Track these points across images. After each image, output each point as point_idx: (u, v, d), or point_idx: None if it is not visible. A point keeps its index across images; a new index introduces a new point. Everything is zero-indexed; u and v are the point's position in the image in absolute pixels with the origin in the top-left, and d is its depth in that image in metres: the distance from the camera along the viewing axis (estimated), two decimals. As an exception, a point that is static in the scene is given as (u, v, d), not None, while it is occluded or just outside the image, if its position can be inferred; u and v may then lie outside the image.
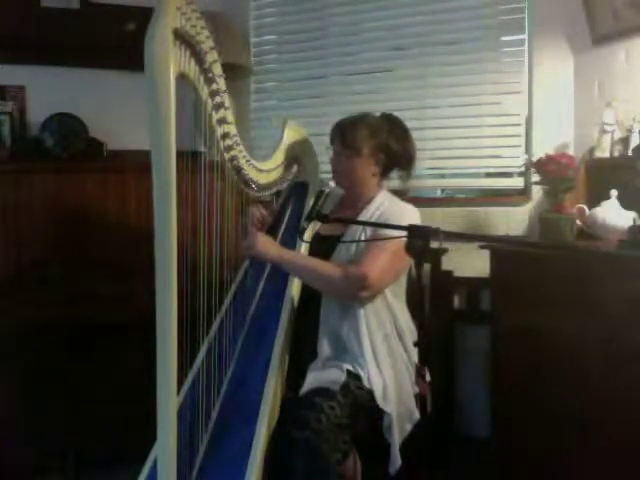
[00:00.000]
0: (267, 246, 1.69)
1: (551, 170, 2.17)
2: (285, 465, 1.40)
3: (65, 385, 2.27)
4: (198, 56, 1.27)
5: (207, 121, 1.39)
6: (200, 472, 1.34)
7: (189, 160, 1.37)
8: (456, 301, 2.62)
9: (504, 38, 2.62)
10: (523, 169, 2.56)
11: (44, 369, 2.27)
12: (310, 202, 1.61)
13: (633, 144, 2.10)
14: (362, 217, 1.70)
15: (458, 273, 2.54)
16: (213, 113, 1.40)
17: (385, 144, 1.76)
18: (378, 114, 1.84)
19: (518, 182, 2.60)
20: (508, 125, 2.61)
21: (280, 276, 1.76)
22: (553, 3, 2.44)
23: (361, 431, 1.57)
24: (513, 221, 2.55)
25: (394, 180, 1.88)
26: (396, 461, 1.55)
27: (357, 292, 1.60)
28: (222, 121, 1.44)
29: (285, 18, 3.03)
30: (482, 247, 2.25)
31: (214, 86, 1.36)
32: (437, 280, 2.43)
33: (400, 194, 1.90)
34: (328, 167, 1.86)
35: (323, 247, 1.73)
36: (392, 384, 1.61)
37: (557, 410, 1.91)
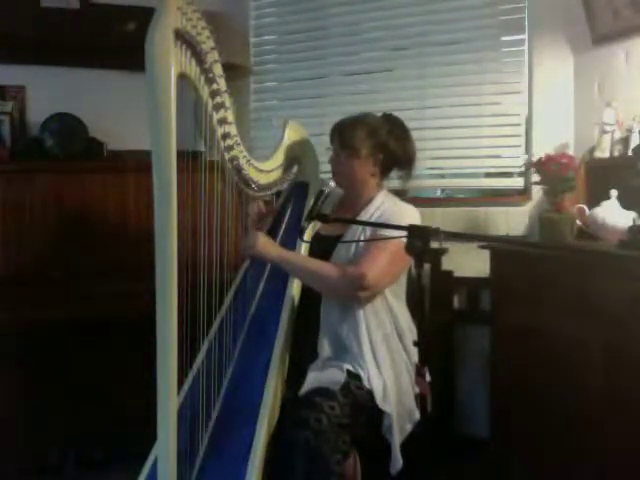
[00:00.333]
0: (267, 246, 1.69)
1: (551, 170, 2.17)
2: (285, 465, 1.40)
3: (65, 385, 2.27)
4: (199, 56, 1.27)
5: (207, 121, 1.39)
6: (200, 472, 1.34)
7: (189, 160, 1.36)
8: (456, 301, 2.62)
9: (504, 38, 2.62)
10: (523, 169, 2.56)
11: (44, 369, 2.27)
12: (310, 202, 1.61)
13: (633, 144, 2.10)
14: (362, 217, 1.70)
15: (458, 273, 2.54)
16: (214, 113, 1.40)
17: (384, 144, 1.76)
18: (378, 114, 1.84)
19: (518, 182, 2.60)
20: (508, 125, 2.61)
21: (280, 276, 1.76)
22: (553, 3, 2.44)
23: (361, 431, 1.57)
24: (513, 221, 2.55)
25: (394, 180, 1.88)
26: (397, 461, 1.55)
27: (356, 292, 1.60)
28: (222, 121, 1.44)
29: (285, 18, 3.03)
30: (482, 247, 2.25)
31: (214, 86, 1.36)
32: (437, 280, 2.43)
33: (400, 194, 1.90)
34: (328, 167, 1.86)
35: (323, 247, 1.73)
36: (392, 384, 1.61)
37: (557, 410, 1.91)
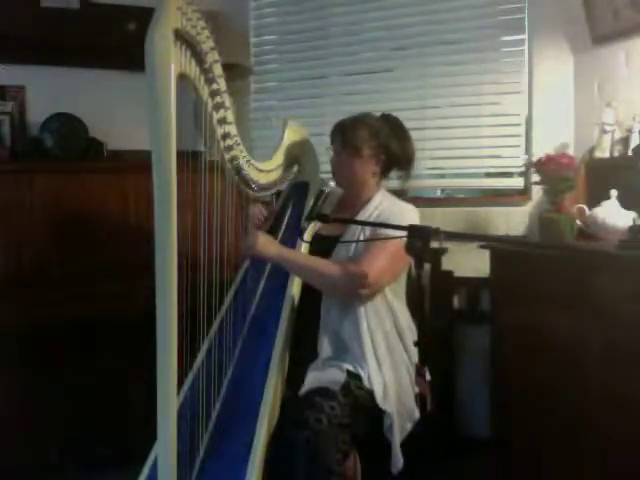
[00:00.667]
0: (267, 245, 1.69)
1: (551, 170, 2.17)
2: (285, 465, 1.40)
3: (65, 385, 2.27)
4: (199, 56, 1.27)
5: (207, 121, 1.39)
6: (200, 472, 1.34)
7: (189, 160, 1.36)
8: (456, 301, 2.62)
9: (504, 38, 2.62)
10: (523, 169, 2.56)
11: (44, 369, 2.27)
12: (310, 202, 1.61)
13: (633, 144, 2.10)
14: (361, 217, 1.71)
15: (458, 273, 2.54)
16: (213, 113, 1.40)
17: (385, 144, 1.76)
18: (378, 114, 1.84)
19: (518, 182, 2.60)
20: (508, 125, 2.61)
21: (280, 276, 1.76)
22: (553, 3, 2.44)
23: (361, 431, 1.57)
24: (513, 221, 2.55)
25: (394, 180, 1.88)
26: (398, 461, 1.55)
27: (356, 290, 1.60)
28: (222, 121, 1.44)
29: (285, 18, 3.03)
30: (482, 247, 2.25)
31: (214, 86, 1.36)
32: (437, 280, 2.43)
33: (400, 194, 1.90)
34: (328, 167, 1.86)
35: (323, 247, 1.73)
36: (392, 384, 1.61)
37: (557, 410, 1.91)
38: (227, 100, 1.42)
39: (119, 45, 2.55)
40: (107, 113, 2.67)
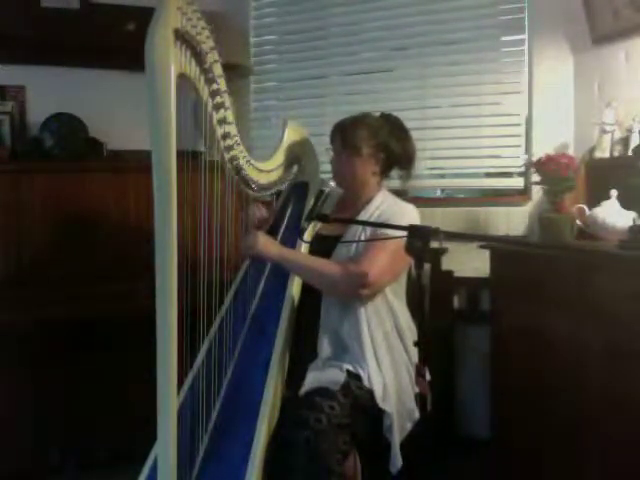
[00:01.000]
0: (267, 245, 1.69)
1: (551, 170, 2.17)
2: (285, 465, 1.40)
3: (65, 385, 2.27)
4: (199, 56, 1.27)
5: (207, 121, 1.39)
6: (200, 472, 1.34)
7: (189, 160, 1.36)
8: (456, 301, 2.62)
9: (504, 38, 2.62)
10: (523, 169, 2.57)
11: (44, 369, 2.27)
12: (310, 202, 1.61)
13: (633, 144, 2.09)
14: (362, 217, 1.70)
15: (458, 273, 2.54)
16: (213, 113, 1.40)
17: (385, 144, 1.76)
18: (378, 114, 1.84)
19: (518, 182, 2.60)
20: (508, 125, 2.61)
21: (280, 276, 1.76)
22: (553, 3, 2.44)
23: (361, 431, 1.57)
24: (513, 221, 2.55)
25: (394, 180, 1.89)
26: (397, 461, 1.55)
27: (357, 290, 1.60)
28: (222, 121, 1.44)
29: (285, 18, 3.03)
30: (482, 247, 2.25)
31: (214, 86, 1.36)
32: (437, 280, 2.42)
33: (400, 194, 1.90)
34: (328, 167, 1.86)
35: (323, 247, 1.73)
36: (392, 384, 1.61)
37: (557, 410, 1.91)
38: (227, 100, 1.42)
39: (119, 45, 2.54)
40: (107, 113, 2.67)
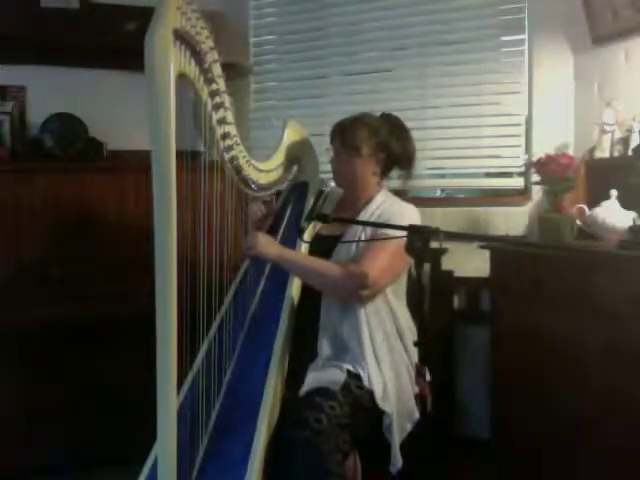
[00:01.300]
0: (268, 246, 1.69)
1: (551, 170, 2.17)
2: (285, 465, 1.40)
3: (65, 385, 2.27)
4: (198, 56, 1.27)
5: (207, 121, 1.39)
6: (200, 472, 1.34)
7: (189, 160, 1.36)
8: (456, 301, 2.62)
9: (504, 38, 2.62)
10: (523, 169, 2.57)
11: (44, 369, 2.27)
12: (310, 202, 1.61)
13: (633, 144, 2.09)
14: (362, 217, 1.70)
15: (458, 273, 2.54)
16: (213, 113, 1.40)
17: (385, 144, 1.76)
18: (378, 114, 1.84)
19: (518, 182, 2.60)
20: (508, 125, 2.61)
21: (280, 276, 1.76)
22: (553, 3, 2.44)
23: (361, 431, 1.57)
24: (513, 221, 2.55)
25: (394, 180, 1.88)
26: (397, 461, 1.55)
27: (357, 291, 1.60)
28: (222, 121, 1.44)
29: (285, 18, 3.03)
30: (482, 247, 2.26)
31: (214, 86, 1.36)
32: (437, 280, 2.43)
33: (400, 194, 1.90)
34: (328, 167, 1.86)
35: (323, 247, 1.73)
36: (392, 384, 1.61)
37: (557, 410, 1.91)
38: (227, 100, 1.42)
39: (119, 45, 2.54)
40: (107, 113, 2.67)
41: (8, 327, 2.12)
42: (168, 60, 1.09)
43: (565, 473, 1.90)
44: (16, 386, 2.26)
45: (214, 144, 1.45)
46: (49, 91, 2.67)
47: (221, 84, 1.38)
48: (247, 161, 1.60)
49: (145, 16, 1.13)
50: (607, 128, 2.21)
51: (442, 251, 2.40)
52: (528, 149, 2.56)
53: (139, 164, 2.26)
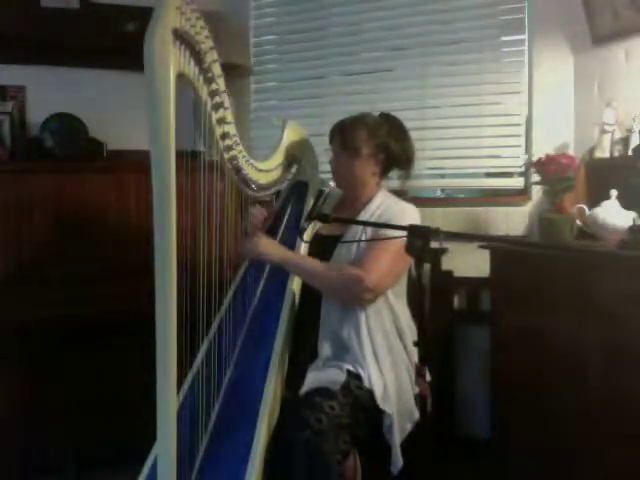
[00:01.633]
0: (270, 248, 1.68)
1: (551, 170, 2.17)
2: (285, 465, 1.40)
3: (65, 385, 2.27)
4: (197, 56, 1.27)
5: (207, 121, 1.39)
6: (200, 472, 1.34)
7: (189, 160, 1.36)
8: (456, 301, 2.61)
9: (504, 38, 2.62)
10: (523, 169, 2.56)
11: (44, 369, 2.27)
12: (310, 202, 1.61)
13: (633, 144, 2.09)
14: (362, 217, 1.70)
15: (458, 273, 2.54)
16: (212, 113, 1.40)
17: (384, 144, 1.76)
18: (378, 114, 1.84)
19: (518, 182, 2.60)
20: (508, 125, 2.61)
21: (280, 276, 1.76)
22: (553, 3, 2.44)
23: (361, 431, 1.57)
24: (513, 221, 2.55)
25: (394, 180, 1.88)
26: (398, 461, 1.55)
27: (360, 295, 1.60)
28: (222, 121, 1.44)
29: (285, 18, 3.03)
30: (482, 247, 2.25)
31: (213, 86, 1.36)
32: (437, 280, 2.43)
33: (400, 194, 1.90)
34: (328, 167, 1.86)
35: (323, 247, 1.73)
36: (392, 384, 1.61)
37: (557, 410, 1.91)
38: (226, 100, 1.42)
39: (119, 45, 2.54)
40: (107, 113, 2.66)
41: (8, 327, 2.12)
42: (168, 60, 1.09)
43: (565, 473, 1.90)
44: (16, 386, 2.26)
45: (214, 144, 1.45)
46: (49, 91, 2.67)
47: (221, 84, 1.38)
48: (247, 161, 1.60)
49: (145, 16, 1.13)
50: (607, 128, 2.21)
51: (442, 251, 2.40)
52: (528, 149, 2.55)
53: (139, 164, 2.25)
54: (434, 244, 1.28)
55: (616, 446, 1.70)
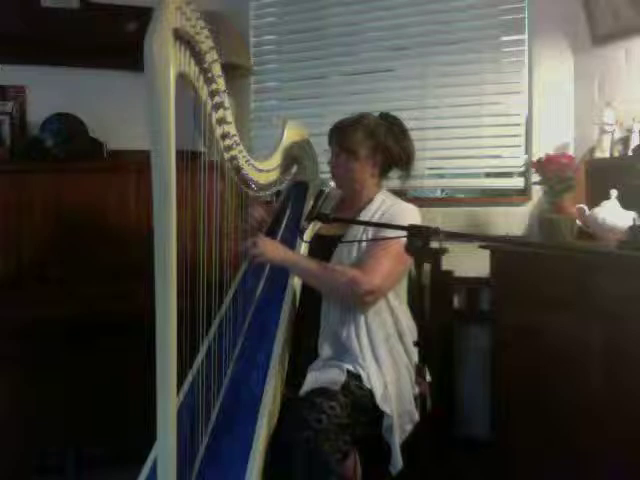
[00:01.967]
0: (271, 248, 1.67)
1: (551, 170, 2.17)
2: (285, 465, 1.40)
3: (65, 385, 2.27)
4: (198, 56, 1.27)
5: (207, 121, 1.39)
6: (200, 472, 1.34)
7: (189, 160, 1.36)
8: (456, 301, 2.61)
9: (504, 38, 2.62)
10: (523, 169, 2.57)
11: (44, 369, 2.27)
12: (310, 202, 1.61)
13: (633, 144, 2.10)
14: (362, 217, 1.70)
15: (458, 273, 2.54)
16: (213, 113, 1.40)
17: (383, 145, 1.75)
18: (377, 114, 1.83)
19: (518, 182, 2.60)
20: (508, 125, 2.61)
21: (280, 276, 1.76)
22: (553, 3, 2.44)
23: (361, 431, 1.57)
24: (513, 221, 2.55)
25: (394, 180, 1.88)
26: (398, 462, 1.54)
27: (361, 298, 1.60)
28: (222, 121, 1.43)
29: (285, 18, 3.03)
30: (482, 247, 2.25)
31: (214, 86, 1.36)
32: (437, 280, 2.43)
33: (400, 194, 1.90)
34: (328, 167, 1.86)
35: (323, 247, 1.73)
36: (393, 384, 1.60)
37: (557, 410, 1.91)
38: (226, 100, 1.42)
39: (119, 45, 2.54)
40: (107, 113, 2.67)
41: (8, 327, 2.11)
42: (168, 60, 1.09)
43: (565, 473, 1.89)
44: (16, 386, 2.26)
45: (214, 144, 1.45)
46: (49, 91, 2.67)
47: (221, 84, 1.38)
48: (247, 161, 1.60)
49: (145, 16, 1.13)
50: (607, 128, 2.21)
51: (442, 251, 2.40)
52: (528, 149, 2.56)
53: (139, 164, 2.26)
54: (434, 244, 1.28)
55: (616, 445, 1.70)
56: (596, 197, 2.11)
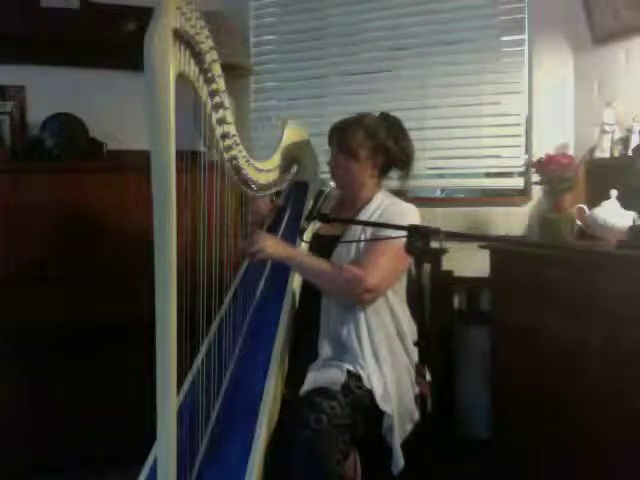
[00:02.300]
0: (272, 245, 1.67)
1: (551, 170, 2.17)
2: (285, 465, 1.40)
3: (65, 385, 2.27)
4: (198, 56, 1.27)
5: (207, 121, 1.39)
6: (200, 472, 1.34)
7: (189, 160, 1.36)
8: (456, 301, 2.62)
9: (504, 38, 2.62)
10: (523, 169, 2.57)
11: (44, 369, 2.27)
12: (310, 202, 1.61)
13: (633, 144, 2.10)
14: (361, 217, 1.70)
15: (458, 273, 2.54)
16: (212, 113, 1.40)
17: (383, 145, 1.75)
18: (377, 114, 1.83)
19: (518, 182, 2.60)
20: (508, 125, 2.61)
21: (280, 276, 1.76)
22: (553, 3, 2.44)
23: (361, 431, 1.57)
24: (513, 221, 2.55)
25: (394, 180, 1.88)
26: (399, 462, 1.54)
27: (360, 296, 1.60)
28: (222, 121, 1.43)
29: (285, 18, 3.03)
30: (482, 247, 2.26)
31: (214, 86, 1.35)
32: (437, 280, 2.43)
33: (400, 194, 1.90)
34: (328, 167, 1.86)
35: (323, 247, 1.73)
36: (393, 384, 1.60)
37: (557, 410, 1.91)
38: (226, 100, 1.42)
39: (119, 45, 2.54)
40: (107, 113, 2.67)
41: (8, 327, 2.12)
42: (168, 60, 1.09)
43: (565, 473, 1.90)
44: (16, 386, 2.26)
45: (214, 144, 1.45)
46: (49, 91, 2.67)
47: (221, 84, 1.38)
48: (247, 161, 1.60)
49: (145, 16, 1.13)
50: (607, 128, 2.21)
51: (442, 251, 2.40)
52: (528, 149, 2.56)
53: (139, 164, 2.26)
54: (434, 244, 1.28)
55: (616, 445, 1.70)
56: (596, 197, 2.11)
